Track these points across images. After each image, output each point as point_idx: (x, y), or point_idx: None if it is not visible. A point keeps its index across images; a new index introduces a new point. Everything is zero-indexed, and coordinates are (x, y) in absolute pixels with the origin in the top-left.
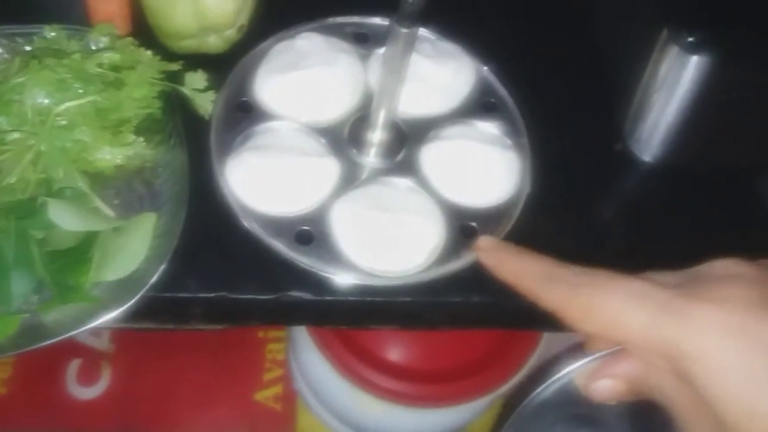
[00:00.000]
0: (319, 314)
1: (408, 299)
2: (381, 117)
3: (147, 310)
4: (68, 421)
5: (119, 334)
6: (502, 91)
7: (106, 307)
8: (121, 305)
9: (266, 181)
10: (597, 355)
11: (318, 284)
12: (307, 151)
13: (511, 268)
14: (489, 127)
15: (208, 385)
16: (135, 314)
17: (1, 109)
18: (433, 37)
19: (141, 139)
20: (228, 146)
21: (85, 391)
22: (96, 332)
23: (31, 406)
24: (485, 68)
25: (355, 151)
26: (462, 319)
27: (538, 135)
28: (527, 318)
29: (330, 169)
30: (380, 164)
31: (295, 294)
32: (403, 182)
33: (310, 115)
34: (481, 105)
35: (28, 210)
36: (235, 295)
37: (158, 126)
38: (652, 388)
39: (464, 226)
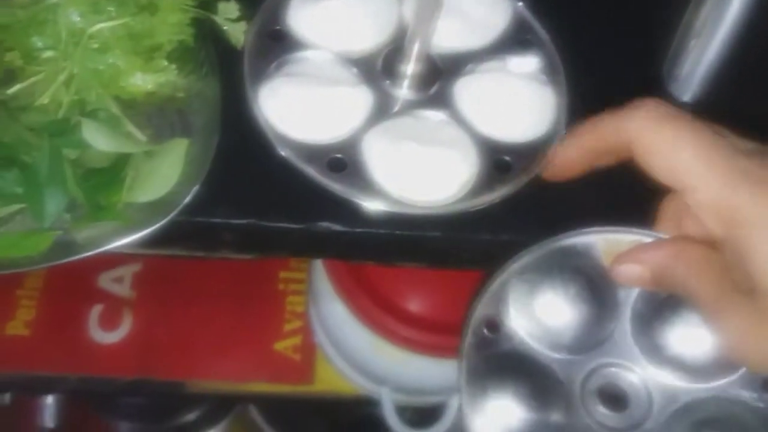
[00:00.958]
0: (347, 246)
1: (437, 234)
2: (415, 48)
3: (178, 235)
4: (89, 363)
5: (141, 281)
6: (538, 27)
7: (138, 228)
8: (152, 226)
9: (299, 108)
10: (629, 229)
11: (348, 216)
12: (340, 80)
13: (581, 137)
14: (525, 63)
15: (229, 334)
16: (166, 238)
17: (35, 28)
18: None
19: (173, 66)
20: (261, 74)
21: (107, 335)
22: (118, 278)
23: (53, 349)
24: (520, 4)
25: (388, 82)
26: (490, 258)
27: (573, 73)
28: None
29: (362, 98)
30: (413, 96)
31: (325, 224)
32: (436, 115)
33: (343, 45)
34: (516, 41)
35: (61, 129)
36: (265, 222)
37: (190, 54)
38: (676, 279)
39: (498, 160)
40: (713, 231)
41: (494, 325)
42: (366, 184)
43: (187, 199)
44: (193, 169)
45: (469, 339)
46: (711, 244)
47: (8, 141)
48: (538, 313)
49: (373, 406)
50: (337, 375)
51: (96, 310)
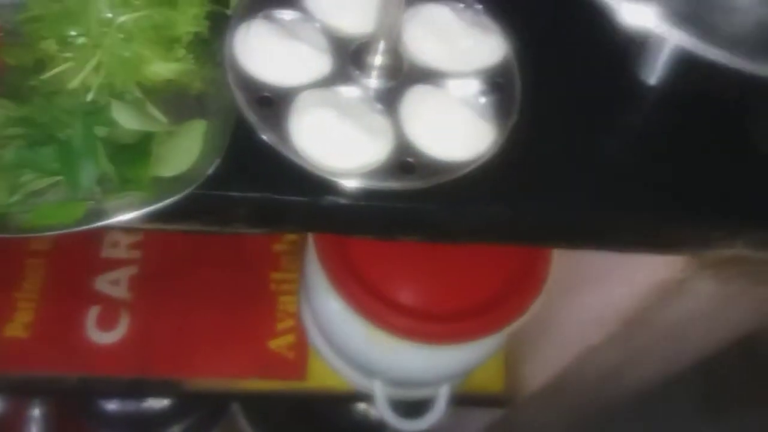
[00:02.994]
0: (351, 220)
1: (435, 206)
2: (380, 44)
3: (196, 208)
4: (87, 364)
5: (137, 283)
6: (516, 77)
7: (161, 199)
8: (174, 197)
9: (260, 46)
10: None
11: (353, 190)
12: (310, 42)
13: None
14: (479, 97)
15: (224, 334)
16: (184, 212)
17: (69, 19)
18: (478, 10)
19: (190, 56)
20: (247, 16)
21: (104, 335)
22: (115, 281)
23: (52, 349)
24: (511, 53)
25: (352, 66)
26: (491, 229)
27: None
28: (546, 232)
29: (320, 64)
30: (367, 83)
31: (330, 198)
32: (374, 104)
33: (334, 19)
34: (489, 80)
35: (92, 108)
36: (277, 196)
37: (206, 45)
38: None
39: (405, 161)
40: None
41: None
42: (277, 125)
43: (209, 172)
44: (212, 147)
45: None
46: None
47: (45, 121)
48: None
49: (365, 401)
50: (330, 372)
51: (93, 312)
